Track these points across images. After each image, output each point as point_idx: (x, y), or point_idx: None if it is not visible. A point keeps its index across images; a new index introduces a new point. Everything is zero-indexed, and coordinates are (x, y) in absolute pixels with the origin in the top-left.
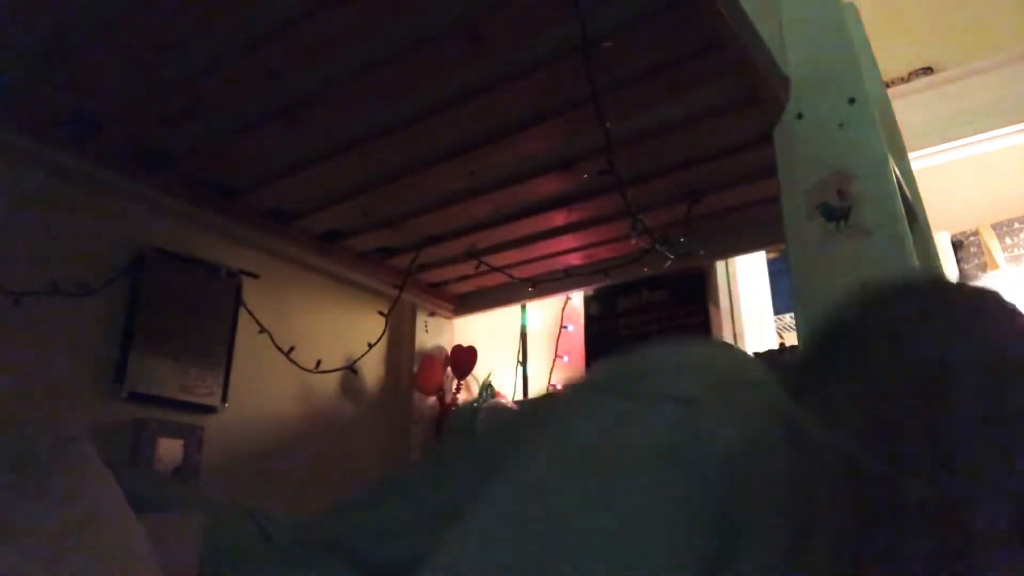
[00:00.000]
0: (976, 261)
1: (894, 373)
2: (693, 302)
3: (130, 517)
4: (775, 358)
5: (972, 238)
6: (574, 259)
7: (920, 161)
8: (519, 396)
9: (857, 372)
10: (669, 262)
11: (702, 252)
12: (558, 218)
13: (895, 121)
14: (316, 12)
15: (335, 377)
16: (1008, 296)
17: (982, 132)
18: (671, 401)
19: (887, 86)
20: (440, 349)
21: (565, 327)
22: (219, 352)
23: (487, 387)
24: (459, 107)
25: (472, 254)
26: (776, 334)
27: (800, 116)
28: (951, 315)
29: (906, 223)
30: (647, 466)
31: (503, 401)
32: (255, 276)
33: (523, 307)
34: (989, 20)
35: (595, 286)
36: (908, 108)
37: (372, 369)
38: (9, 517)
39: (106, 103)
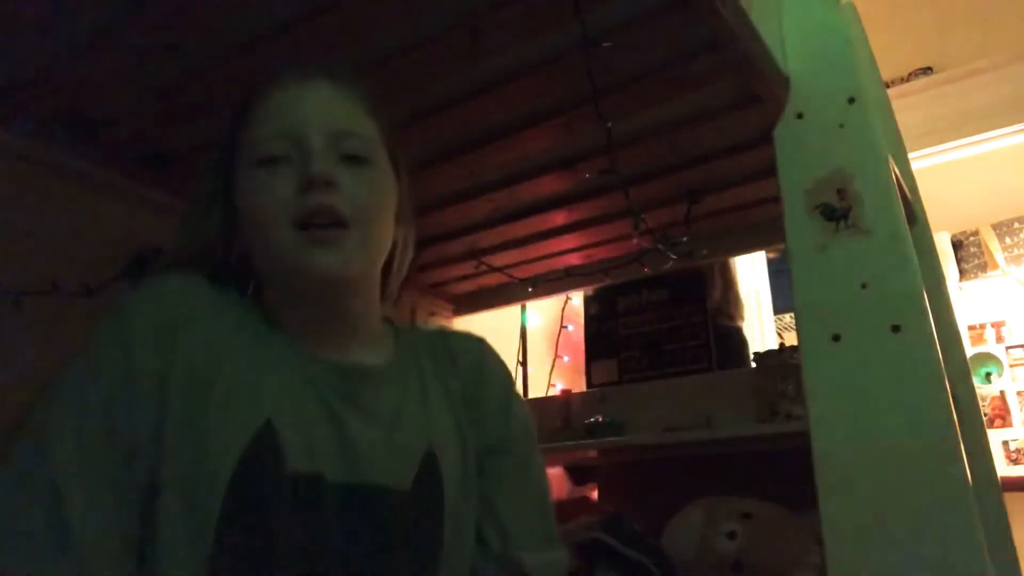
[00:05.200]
0: (976, 261)
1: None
2: (693, 302)
3: None
4: (775, 358)
5: (972, 238)
6: (574, 259)
7: (920, 161)
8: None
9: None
10: (670, 262)
11: (702, 252)
12: (558, 218)
13: (895, 121)
14: (316, 12)
15: None
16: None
17: (982, 132)
18: None
19: (887, 86)
20: None
21: (565, 327)
22: None
23: None
24: (459, 107)
25: (472, 254)
26: (776, 334)
27: (800, 116)
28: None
29: (906, 223)
30: None
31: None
32: None
33: (523, 307)
34: (989, 20)
35: (595, 286)
36: (908, 108)
37: None
38: None
39: (106, 103)
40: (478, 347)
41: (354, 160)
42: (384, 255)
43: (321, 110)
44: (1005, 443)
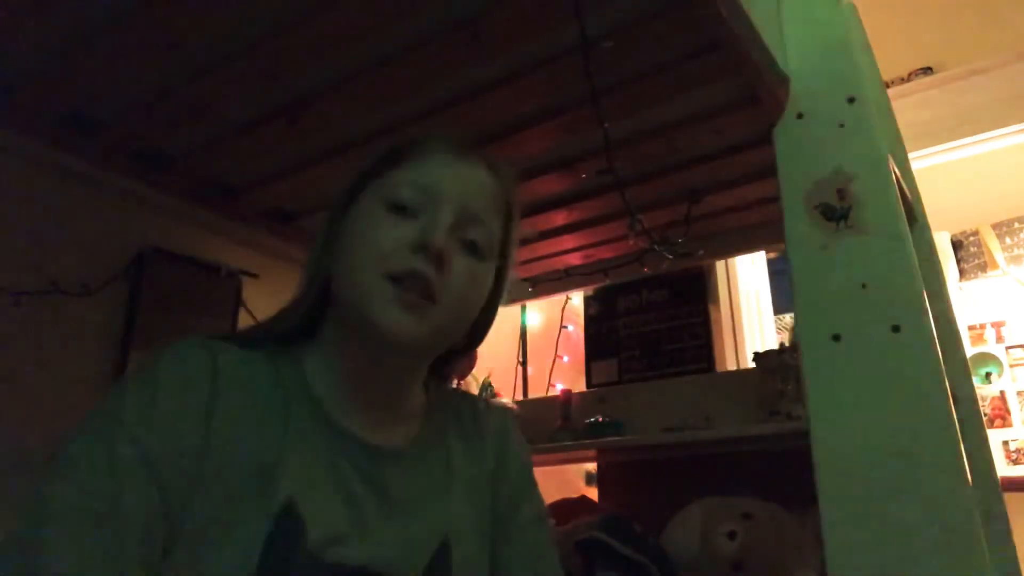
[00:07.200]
0: (976, 261)
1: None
2: (693, 302)
3: None
4: (775, 358)
5: (972, 238)
6: (574, 259)
7: (920, 161)
8: (519, 396)
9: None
10: (667, 262)
11: (702, 252)
12: (558, 218)
13: (895, 121)
14: (316, 12)
15: None
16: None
17: (982, 132)
18: None
19: (887, 86)
20: None
21: (565, 327)
22: None
23: (487, 387)
24: (459, 107)
25: None
26: (776, 334)
27: (800, 116)
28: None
29: (906, 223)
30: None
31: (503, 401)
32: (255, 276)
33: (523, 307)
34: (989, 20)
35: (595, 286)
36: (908, 108)
37: None
38: None
39: (106, 103)
40: (504, 425)
41: (471, 249)
42: (448, 346)
43: (466, 188)
44: (1005, 443)
